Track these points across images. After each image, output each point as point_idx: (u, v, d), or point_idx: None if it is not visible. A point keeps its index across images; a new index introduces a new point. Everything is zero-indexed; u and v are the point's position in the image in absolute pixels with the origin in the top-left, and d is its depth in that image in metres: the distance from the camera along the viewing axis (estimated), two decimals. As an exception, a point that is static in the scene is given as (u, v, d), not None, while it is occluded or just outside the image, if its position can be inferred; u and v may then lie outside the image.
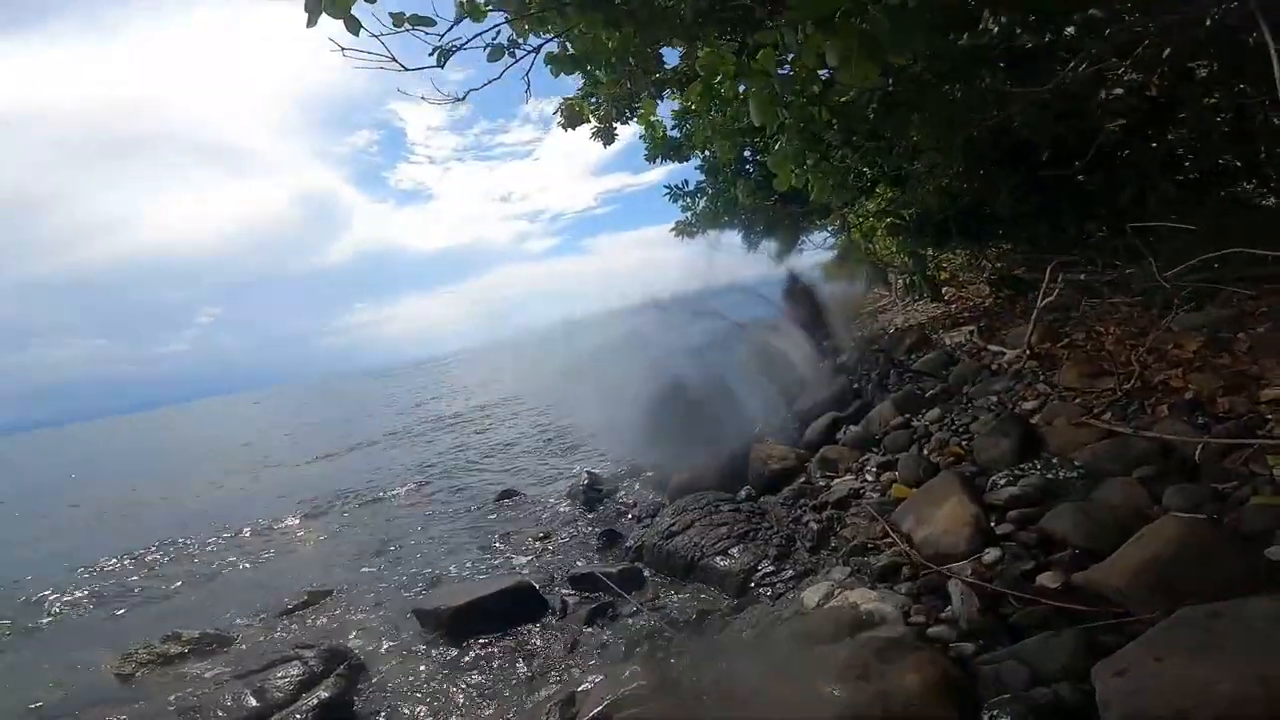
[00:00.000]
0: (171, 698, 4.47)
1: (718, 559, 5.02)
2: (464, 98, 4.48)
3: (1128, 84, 6.72)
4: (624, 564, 5.76)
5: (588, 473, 8.44)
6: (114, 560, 9.27)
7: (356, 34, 3.01)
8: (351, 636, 5.41)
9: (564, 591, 5.62)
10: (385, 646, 5.16)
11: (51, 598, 8.00)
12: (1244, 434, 3.70)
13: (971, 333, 8.55)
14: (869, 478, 5.55)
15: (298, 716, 4.05)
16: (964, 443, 5.36)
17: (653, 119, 7.69)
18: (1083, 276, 8.43)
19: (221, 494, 13.93)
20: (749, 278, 11.85)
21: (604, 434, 10.26)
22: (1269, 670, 1.86)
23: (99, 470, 26.82)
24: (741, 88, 5.14)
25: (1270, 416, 3.91)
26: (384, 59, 3.50)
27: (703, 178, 10.33)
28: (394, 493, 10.80)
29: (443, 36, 3.57)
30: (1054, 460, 4.29)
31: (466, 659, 4.68)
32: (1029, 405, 5.53)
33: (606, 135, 10.25)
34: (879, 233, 9.23)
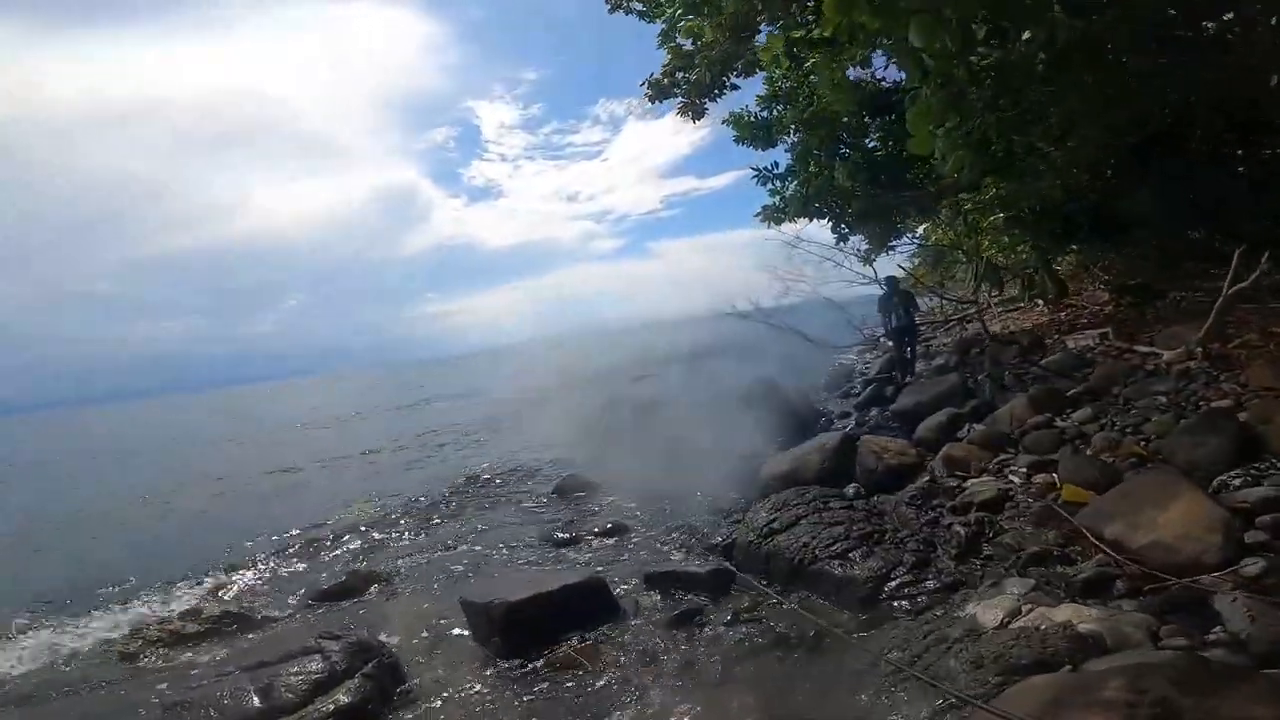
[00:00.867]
0: (163, 686, 3.74)
1: (834, 564, 4.20)
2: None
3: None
4: (713, 564, 5.00)
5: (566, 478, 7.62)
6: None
7: None
8: (388, 631, 4.60)
9: (640, 592, 4.86)
10: (425, 644, 4.35)
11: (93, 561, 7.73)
12: None
13: (1104, 335, 7.53)
14: (1015, 479, 4.67)
15: (306, 727, 3.20)
16: (1141, 443, 4.46)
17: (774, 54, 6.75)
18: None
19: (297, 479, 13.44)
20: (832, 288, 10.90)
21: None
22: None
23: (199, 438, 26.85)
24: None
25: None
26: None
27: (792, 162, 9.54)
28: (459, 479, 10.23)
29: None
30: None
31: (521, 667, 3.80)
32: (1222, 404, 4.58)
33: (696, 111, 9.62)
34: (990, 227, 8.33)
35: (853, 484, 5.52)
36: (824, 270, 10.66)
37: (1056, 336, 8.45)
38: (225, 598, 6.06)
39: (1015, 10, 4.04)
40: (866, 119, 8.50)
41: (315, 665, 3.65)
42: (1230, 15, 6.26)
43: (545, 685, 3.61)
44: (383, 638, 4.35)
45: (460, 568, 6.13)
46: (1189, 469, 3.71)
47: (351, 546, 7.28)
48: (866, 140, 8.67)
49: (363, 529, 7.86)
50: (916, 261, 14.25)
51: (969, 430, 5.84)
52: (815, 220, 9.87)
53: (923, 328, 9.72)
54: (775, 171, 9.60)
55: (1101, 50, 5.19)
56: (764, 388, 8.78)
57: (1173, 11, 5.42)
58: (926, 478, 5.16)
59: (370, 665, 3.68)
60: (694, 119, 9.52)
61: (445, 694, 3.66)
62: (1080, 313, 9.25)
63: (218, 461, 17.46)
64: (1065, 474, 4.34)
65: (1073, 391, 5.95)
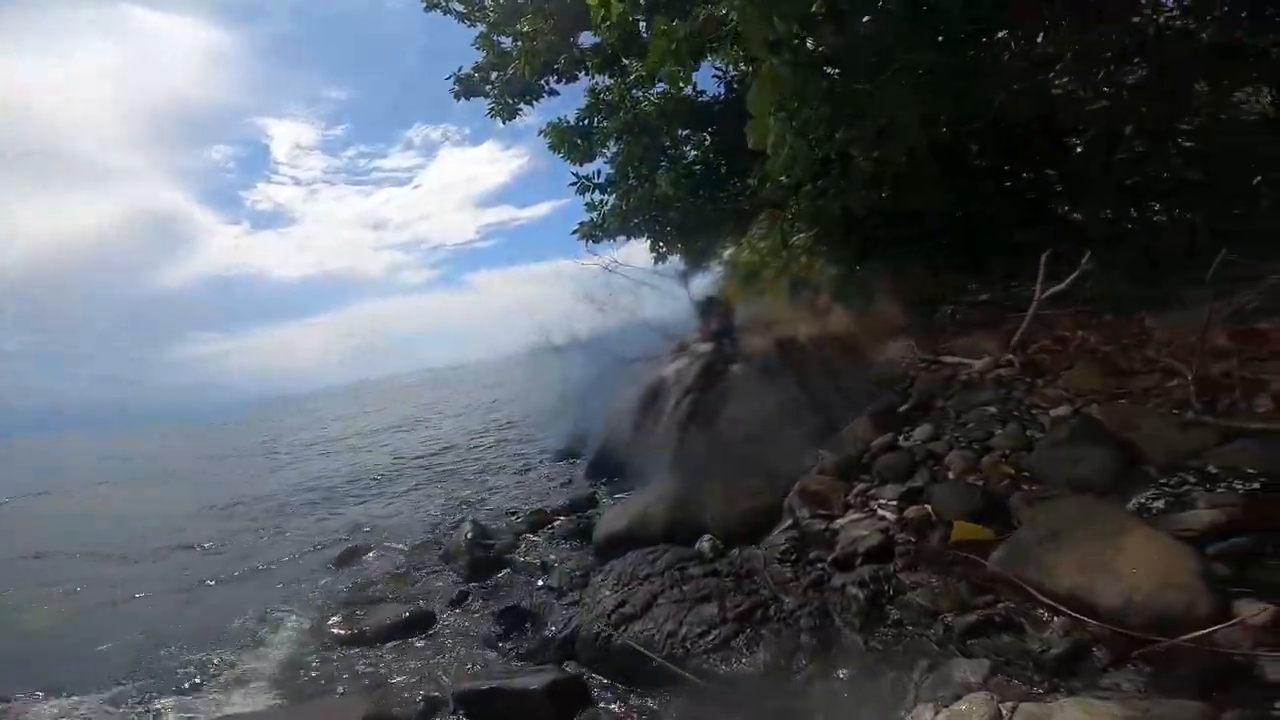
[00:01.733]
0: None
1: (714, 659, 3.23)
2: None
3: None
4: (550, 668, 3.77)
5: (472, 523, 6.22)
6: None
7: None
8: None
9: (450, 722, 3.52)
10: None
11: None
12: None
13: (910, 346, 7.68)
14: (888, 514, 4.11)
15: None
16: (1003, 460, 4.15)
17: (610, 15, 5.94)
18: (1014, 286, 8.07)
19: None
20: (650, 312, 10.49)
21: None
22: None
23: None
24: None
25: None
26: None
27: (613, 173, 8.94)
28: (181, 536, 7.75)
29: None
30: (1183, 473, 3.10)
31: None
32: (1059, 412, 4.46)
33: (508, 110, 8.54)
34: (801, 241, 8.33)
35: (706, 537, 4.64)
36: (641, 295, 10.18)
37: (863, 347, 8.57)
38: None
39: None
40: (689, 132, 8.24)
41: None
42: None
43: None
44: None
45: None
46: (1078, 488, 3.35)
47: None
48: (688, 149, 8.38)
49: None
50: (726, 284, 14.48)
51: (819, 457, 5.30)
52: (634, 239, 9.29)
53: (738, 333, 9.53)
54: (596, 180, 8.89)
55: (926, 43, 5.14)
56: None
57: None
58: (789, 521, 4.45)
59: None
60: (506, 120, 8.47)
61: None
62: (878, 323, 9.60)
63: None
64: (940, 505, 3.86)
65: (904, 408, 5.73)
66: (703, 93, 8.59)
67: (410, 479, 10.52)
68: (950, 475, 4.25)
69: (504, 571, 5.49)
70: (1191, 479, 2.93)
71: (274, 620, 5.27)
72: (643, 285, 10.08)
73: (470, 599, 5.14)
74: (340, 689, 4.10)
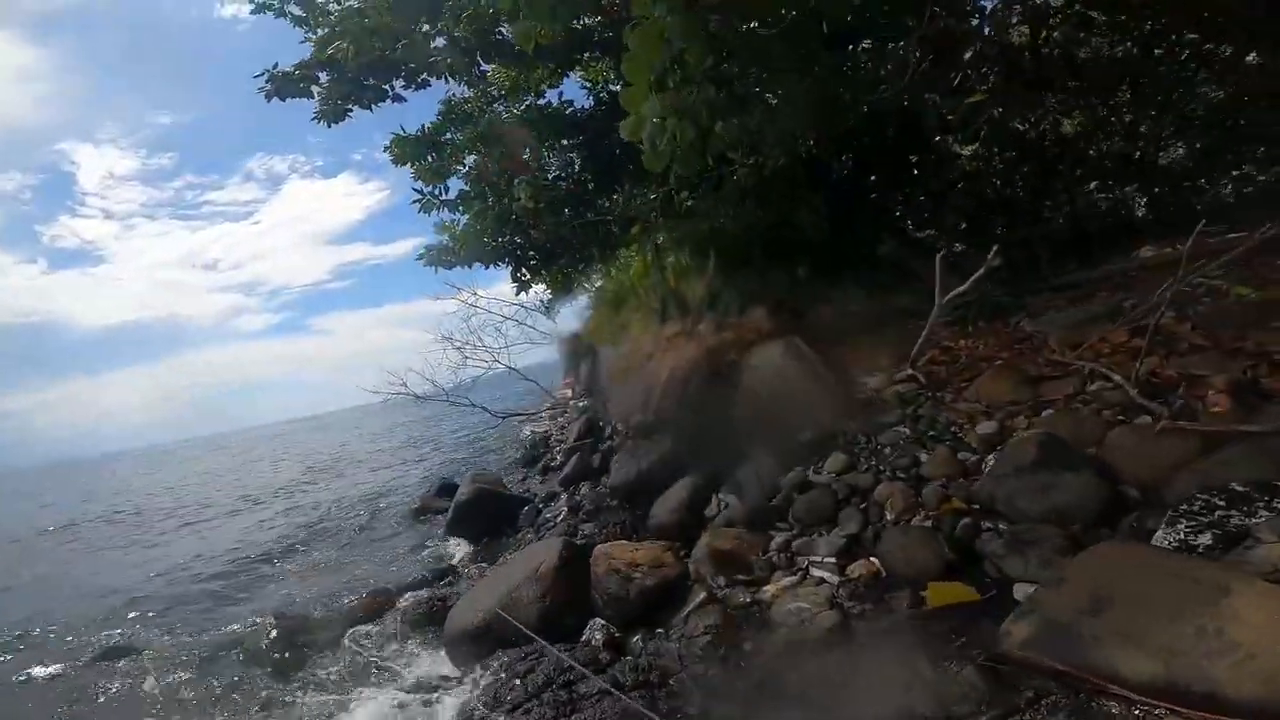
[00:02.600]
0: None
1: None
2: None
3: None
4: None
5: (275, 618, 4.56)
6: None
7: None
8: None
9: None
10: None
11: None
12: None
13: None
14: (826, 574, 3.26)
15: None
16: (944, 489, 3.47)
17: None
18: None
19: None
20: (515, 352, 9.40)
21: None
22: None
23: None
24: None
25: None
26: None
27: (467, 188, 7.68)
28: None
29: None
30: (1207, 495, 2.50)
31: None
32: (986, 429, 3.91)
33: (336, 113, 6.96)
34: (672, 264, 7.64)
35: (596, 622, 3.51)
36: (505, 333, 9.14)
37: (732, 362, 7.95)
38: None
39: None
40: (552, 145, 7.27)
41: None
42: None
43: None
44: None
45: None
46: (1059, 520, 2.68)
47: None
48: (551, 162, 7.48)
49: None
50: (591, 313, 13.62)
51: (721, 506, 4.39)
52: (492, 265, 8.14)
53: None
54: (443, 197, 7.65)
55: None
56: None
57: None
58: (701, 595, 3.44)
59: None
60: (332, 122, 6.97)
61: None
62: (744, 334, 9.09)
63: None
64: (893, 558, 3.05)
65: (806, 435, 5.02)
66: (569, 103, 7.79)
67: (221, 559, 8.30)
68: (889, 515, 3.50)
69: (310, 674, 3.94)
70: (1220, 501, 2.34)
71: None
72: (507, 321, 9.11)
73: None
74: None
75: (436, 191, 7.70)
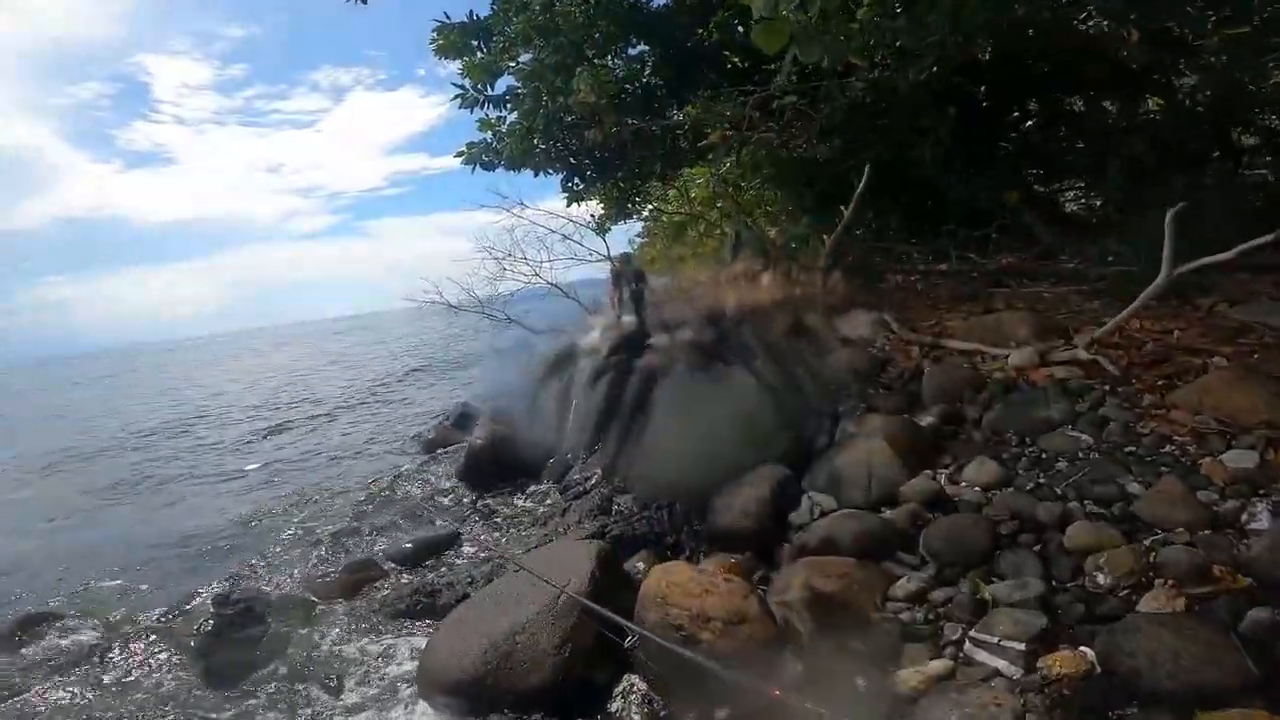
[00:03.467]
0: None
1: None
2: None
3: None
4: None
5: (219, 592, 3.63)
6: None
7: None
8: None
9: None
10: None
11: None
12: None
13: (882, 322, 5.79)
14: (1004, 665, 2.07)
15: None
16: (1212, 556, 2.21)
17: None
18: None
19: None
20: (558, 268, 8.50)
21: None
22: None
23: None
24: None
25: None
26: None
27: (519, 84, 6.48)
28: None
29: None
30: None
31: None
32: (1239, 460, 2.62)
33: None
34: (750, 186, 6.28)
35: (635, 686, 2.43)
36: (549, 247, 8.22)
37: (813, 318, 6.57)
38: None
39: None
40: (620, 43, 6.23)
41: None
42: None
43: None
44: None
45: None
46: None
47: None
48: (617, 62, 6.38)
49: None
50: (645, 241, 12.26)
51: (814, 511, 3.20)
52: (541, 173, 6.95)
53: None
54: (489, 93, 6.57)
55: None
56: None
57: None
58: (799, 668, 2.28)
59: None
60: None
61: None
62: (811, 287, 7.67)
63: None
64: (1130, 656, 1.84)
65: (926, 421, 3.77)
66: (643, -1, 6.50)
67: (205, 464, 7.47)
68: (1102, 577, 2.27)
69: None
70: None
71: None
72: (552, 234, 8.14)
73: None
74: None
75: (481, 87, 6.54)
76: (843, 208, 6.11)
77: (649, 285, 7.38)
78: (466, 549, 4.29)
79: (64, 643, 3.74)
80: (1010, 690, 1.97)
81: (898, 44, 4.40)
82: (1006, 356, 4.28)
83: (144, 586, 4.50)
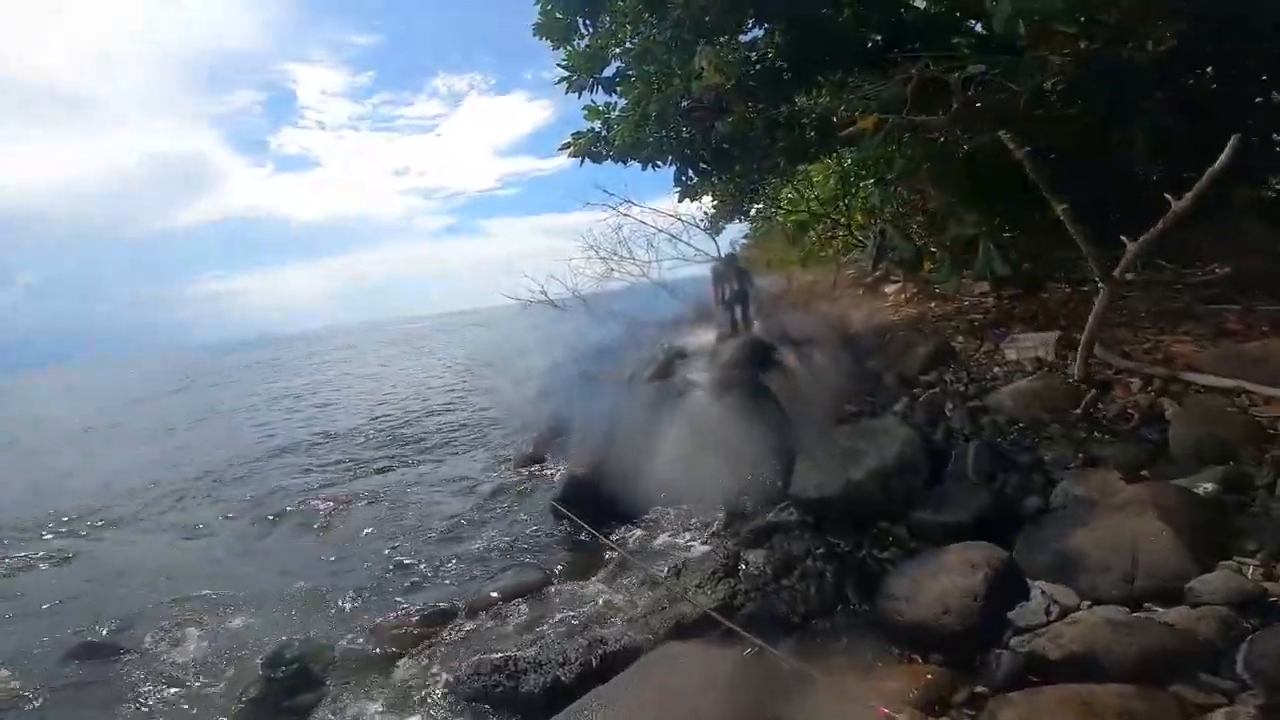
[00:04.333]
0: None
1: None
2: None
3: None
4: None
5: (269, 660, 3.03)
6: None
7: None
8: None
9: None
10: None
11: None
12: None
13: (1056, 344, 4.59)
14: None
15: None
16: None
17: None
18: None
19: None
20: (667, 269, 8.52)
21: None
22: None
23: None
24: None
25: None
26: None
27: (628, 66, 5.89)
28: None
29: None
30: None
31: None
32: None
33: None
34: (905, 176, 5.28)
35: None
36: (656, 246, 8.30)
37: (963, 340, 5.41)
38: None
39: None
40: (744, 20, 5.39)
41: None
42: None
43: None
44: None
45: None
46: None
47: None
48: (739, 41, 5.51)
49: None
50: (751, 242, 11.61)
51: (1049, 610, 2.24)
52: (651, 165, 6.31)
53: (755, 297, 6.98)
54: (600, 75, 6.12)
55: None
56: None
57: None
58: None
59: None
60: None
61: None
62: (956, 303, 6.45)
63: None
64: None
65: (1202, 488, 2.70)
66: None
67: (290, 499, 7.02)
68: None
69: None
70: None
71: None
72: (660, 234, 8.20)
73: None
74: None
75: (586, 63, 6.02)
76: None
77: (754, 286, 6.64)
78: (555, 602, 3.51)
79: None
80: None
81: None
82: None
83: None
